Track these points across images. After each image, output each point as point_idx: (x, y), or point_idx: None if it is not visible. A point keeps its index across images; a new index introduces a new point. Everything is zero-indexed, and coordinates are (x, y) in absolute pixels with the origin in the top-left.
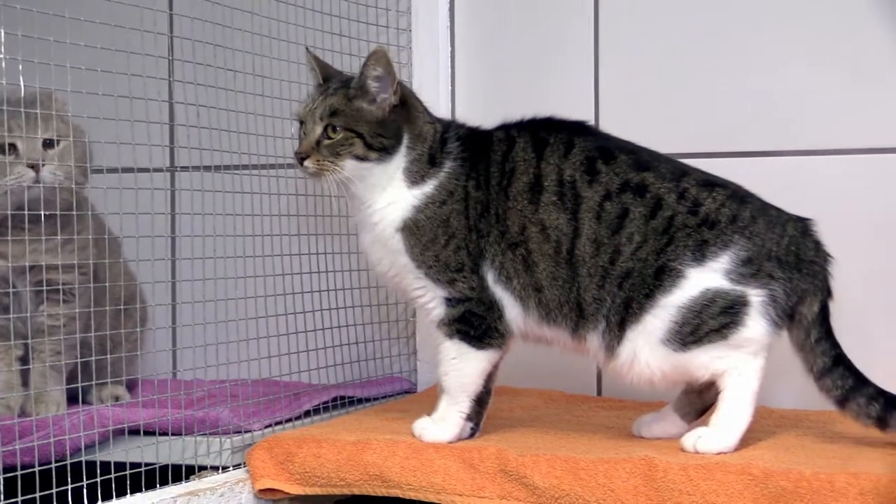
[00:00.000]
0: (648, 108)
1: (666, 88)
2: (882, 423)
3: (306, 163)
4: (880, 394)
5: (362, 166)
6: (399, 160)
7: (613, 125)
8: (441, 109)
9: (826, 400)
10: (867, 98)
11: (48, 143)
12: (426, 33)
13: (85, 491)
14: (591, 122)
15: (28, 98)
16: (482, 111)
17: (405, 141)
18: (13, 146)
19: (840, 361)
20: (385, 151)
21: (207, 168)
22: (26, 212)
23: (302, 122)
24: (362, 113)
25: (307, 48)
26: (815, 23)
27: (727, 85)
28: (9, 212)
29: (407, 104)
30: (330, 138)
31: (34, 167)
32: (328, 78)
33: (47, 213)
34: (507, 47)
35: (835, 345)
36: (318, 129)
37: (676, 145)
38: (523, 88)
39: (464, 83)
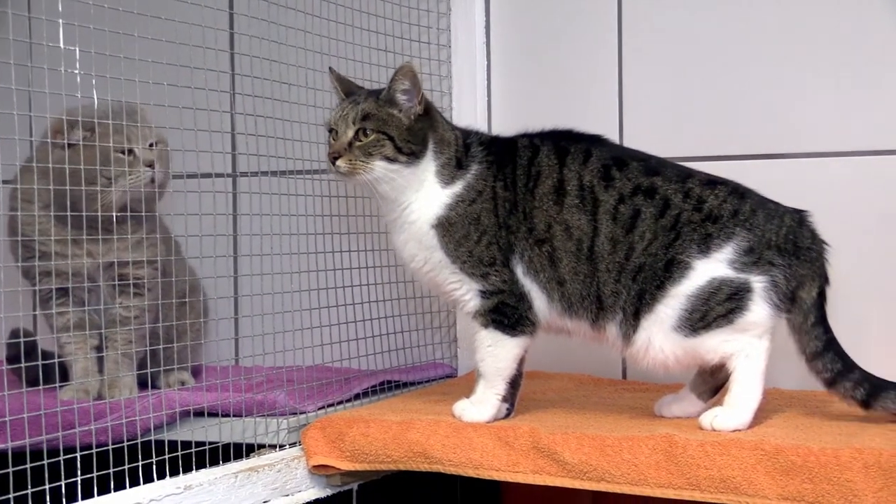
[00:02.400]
0: (667, 115)
1: (683, 96)
2: (865, 405)
3: (339, 162)
4: (865, 379)
5: (391, 168)
6: (428, 164)
7: (636, 132)
8: (479, 118)
9: (815, 380)
10: (865, 104)
11: (151, 146)
12: (465, 49)
13: (154, 467)
14: (612, 132)
15: (119, 109)
16: (516, 119)
17: (431, 146)
18: (131, 150)
19: (831, 346)
20: (413, 155)
21: (265, 173)
22: (114, 214)
23: (331, 130)
24: (392, 118)
25: (330, 69)
26: (824, 35)
27: (740, 92)
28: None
29: (430, 114)
30: (361, 140)
31: (151, 166)
32: (350, 93)
33: (138, 211)
34: (538, 62)
35: (827, 329)
36: (350, 132)
37: (692, 149)
38: (553, 99)
39: (499, 94)
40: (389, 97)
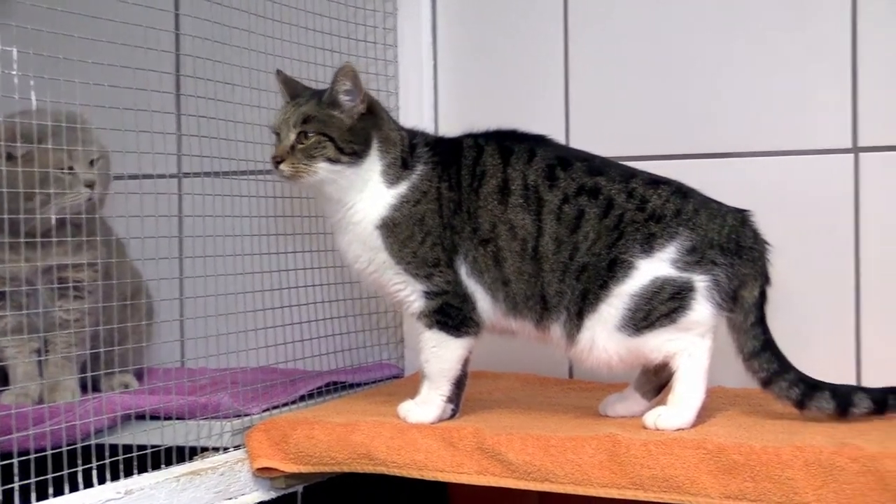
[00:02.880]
0: (613, 114)
1: (628, 95)
2: (800, 405)
3: (282, 166)
4: (801, 379)
5: (334, 168)
6: (373, 164)
7: (582, 131)
8: (425, 118)
9: (752, 379)
10: (810, 104)
11: (92, 162)
12: (411, 49)
13: (95, 472)
14: (559, 131)
15: (58, 117)
16: (463, 118)
17: (375, 146)
18: (71, 167)
19: (768, 346)
20: (356, 155)
21: (208, 174)
22: (51, 218)
23: (276, 134)
24: (333, 119)
25: (278, 71)
26: (768, 35)
27: (685, 92)
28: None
29: (374, 113)
30: (303, 143)
31: (91, 186)
32: (296, 95)
33: (78, 220)
34: (484, 61)
35: (766, 330)
36: (293, 136)
37: (637, 148)
38: (500, 99)
39: (445, 93)
40: (332, 98)
